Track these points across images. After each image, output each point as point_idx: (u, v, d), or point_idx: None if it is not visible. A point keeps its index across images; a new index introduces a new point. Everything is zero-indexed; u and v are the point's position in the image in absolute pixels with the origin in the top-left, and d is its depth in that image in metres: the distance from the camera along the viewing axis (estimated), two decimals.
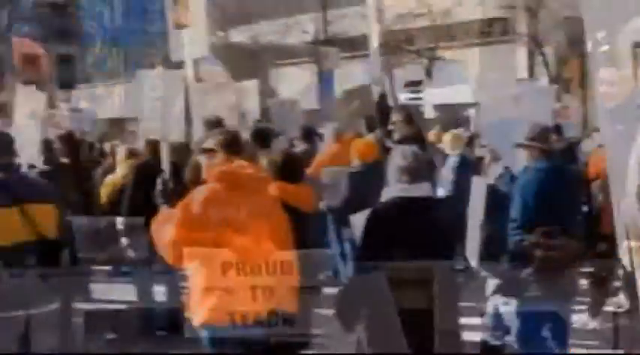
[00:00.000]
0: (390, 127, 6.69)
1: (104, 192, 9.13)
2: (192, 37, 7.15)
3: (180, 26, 7.22)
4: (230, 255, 4.40)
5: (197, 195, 4.61)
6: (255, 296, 4.44)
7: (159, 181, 7.48)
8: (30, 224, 4.89)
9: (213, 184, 4.69)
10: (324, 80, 29.69)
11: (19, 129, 9.56)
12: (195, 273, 4.51)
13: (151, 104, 7.76)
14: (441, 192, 8.06)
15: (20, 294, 4.75)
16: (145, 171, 7.99)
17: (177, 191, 6.37)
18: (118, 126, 21.14)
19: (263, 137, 8.22)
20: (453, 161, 8.86)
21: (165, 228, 4.55)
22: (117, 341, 7.61)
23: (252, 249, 4.44)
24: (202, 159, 4.94)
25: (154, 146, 7.89)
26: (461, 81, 23.96)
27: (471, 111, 16.16)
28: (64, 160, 10.09)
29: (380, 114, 8.04)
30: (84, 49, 75.56)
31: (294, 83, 29.83)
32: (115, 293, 8.64)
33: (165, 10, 7.25)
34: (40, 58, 24.98)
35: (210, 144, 4.90)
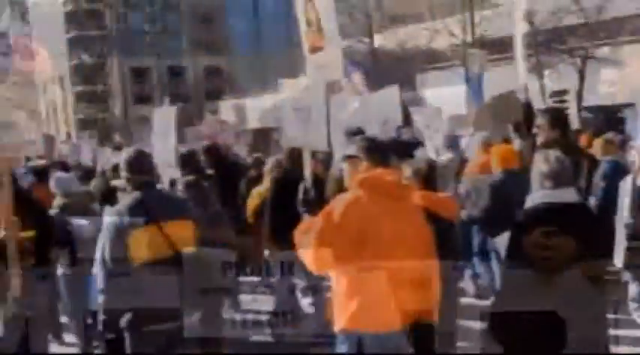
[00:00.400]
0: (535, 131, 6.59)
1: (251, 204, 9.28)
2: (327, 61, 7.25)
3: (314, 50, 7.37)
4: (372, 262, 4.43)
5: (339, 203, 4.64)
6: (397, 304, 4.46)
7: (300, 190, 7.69)
8: (167, 240, 5.23)
9: (355, 192, 4.70)
10: (472, 84, 29.36)
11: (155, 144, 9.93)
12: (337, 281, 4.59)
13: (293, 113, 7.95)
14: (592, 200, 7.84)
15: (165, 307, 5.01)
16: (285, 182, 8.18)
17: (319, 199, 6.52)
18: (263, 136, 21.79)
19: (406, 146, 8.23)
20: (604, 167, 8.59)
21: (306, 236, 4.60)
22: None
23: (394, 257, 4.46)
24: (344, 167, 4.97)
25: (295, 155, 8.07)
26: (614, 81, 23.14)
27: (627, 113, 15.56)
28: (209, 172, 10.24)
29: (526, 119, 7.89)
30: (231, 59, 78.33)
31: (441, 88, 29.70)
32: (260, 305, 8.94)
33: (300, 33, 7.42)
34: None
35: (352, 151, 4.91)
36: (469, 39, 32.60)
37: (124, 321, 5.21)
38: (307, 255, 4.55)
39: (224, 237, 7.36)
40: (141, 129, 32.66)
